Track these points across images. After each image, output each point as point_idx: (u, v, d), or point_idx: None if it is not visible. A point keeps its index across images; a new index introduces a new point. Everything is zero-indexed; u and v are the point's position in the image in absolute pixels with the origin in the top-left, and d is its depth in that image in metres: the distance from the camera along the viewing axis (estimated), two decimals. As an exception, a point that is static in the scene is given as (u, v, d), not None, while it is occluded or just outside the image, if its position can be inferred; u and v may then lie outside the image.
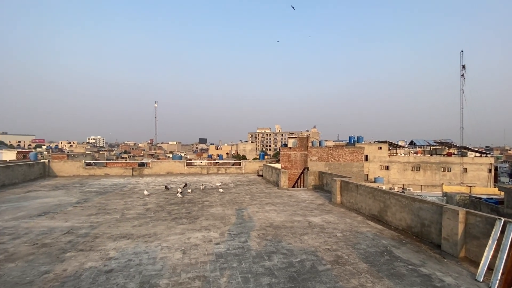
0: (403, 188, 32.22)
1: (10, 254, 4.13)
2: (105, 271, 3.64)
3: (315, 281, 3.49)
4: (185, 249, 4.46)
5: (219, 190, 10.14)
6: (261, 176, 15.10)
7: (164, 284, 3.34)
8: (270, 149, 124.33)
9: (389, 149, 40.57)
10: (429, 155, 40.70)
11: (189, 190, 10.02)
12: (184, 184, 10.24)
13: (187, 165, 17.18)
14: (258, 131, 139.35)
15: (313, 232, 5.48)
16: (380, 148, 38.67)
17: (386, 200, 6.12)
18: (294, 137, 30.93)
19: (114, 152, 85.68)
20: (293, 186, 14.56)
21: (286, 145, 33.63)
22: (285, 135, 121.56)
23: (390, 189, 29.43)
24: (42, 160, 14.37)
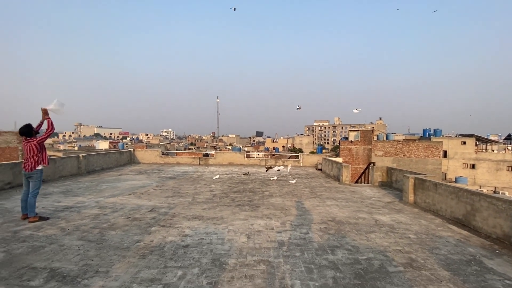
0: (494, 191, 26.98)
1: (112, 224, 5.06)
2: (182, 245, 4.14)
3: (385, 281, 3.26)
4: (249, 234, 4.72)
5: (275, 179, 10.31)
6: (320, 170, 14.68)
7: (233, 263, 3.62)
8: (328, 143, 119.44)
9: (476, 145, 34.24)
10: (535, 153, 32.85)
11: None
12: (247, 172, 11.53)
13: (246, 156, 17.91)
14: (315, 123, 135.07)
15: (381, 231, 5.11)
16: (464, 143, 32.92)
17: (475, 203, 5.23)
18: (356, 130, 28.91)
19: (182, 143, 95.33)
20: (356, 182, 13.73)
21: (346, 138, 31.73)
22: (345, 128, 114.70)
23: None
24: (129, 149, 17.02)
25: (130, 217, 5.48)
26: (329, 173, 12.66)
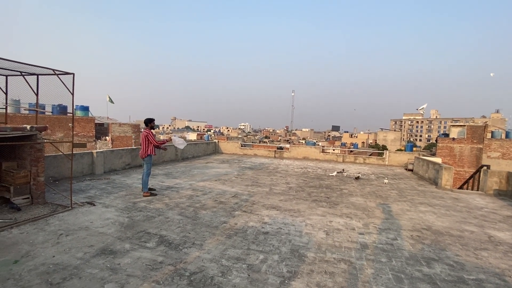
0: None
1: (203, 205, 5.78)
2: (263, 232, 4.38)
3: (504, 312, 2.64)
4: (328, 231, 4.59)
5: (359, 178, 9.58)
6: (411, 170, 12.84)
7: (312, 257, 3.60)
8: (420, 140, 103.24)
9: None
10: None
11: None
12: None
13: (322, 151, 17.30)
14: (404, 117, 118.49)
15: (497, 250, 4.13)
16: None
17: None
18: (461, 125, 23.80)
19: (257, 136, 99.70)
20: (460, 188, 11.47)
21: (446, 135, 26.61)
22: (445, 123, 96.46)
23: None
24: (214, 140, 18.96)
25: (217, 200, 6.14)
26: (423, 175, 10.94)
